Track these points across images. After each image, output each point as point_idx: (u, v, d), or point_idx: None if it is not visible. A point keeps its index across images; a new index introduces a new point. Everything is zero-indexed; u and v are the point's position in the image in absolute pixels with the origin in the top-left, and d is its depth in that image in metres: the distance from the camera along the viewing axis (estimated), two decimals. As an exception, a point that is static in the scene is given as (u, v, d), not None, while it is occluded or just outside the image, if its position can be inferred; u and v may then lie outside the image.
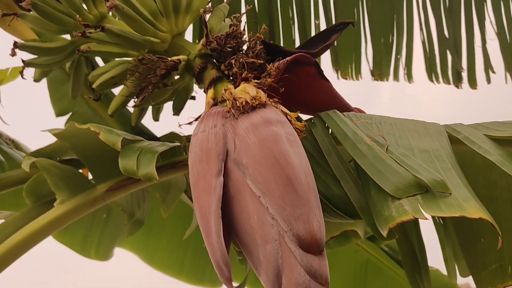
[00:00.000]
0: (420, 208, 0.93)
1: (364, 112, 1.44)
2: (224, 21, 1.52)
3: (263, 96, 1.12)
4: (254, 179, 0.96)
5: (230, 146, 1.03)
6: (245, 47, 1.30)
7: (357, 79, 3.32)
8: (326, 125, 1.25)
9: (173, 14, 1.41)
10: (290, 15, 2.95)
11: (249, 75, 1.20)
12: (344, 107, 1.41)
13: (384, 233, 0.96)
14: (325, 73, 1.38)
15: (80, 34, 1.29)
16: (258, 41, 1.30)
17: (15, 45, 1.46)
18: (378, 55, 3.14)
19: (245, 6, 2.80)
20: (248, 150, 1.00)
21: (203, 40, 1.34)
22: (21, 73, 1.48)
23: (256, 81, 1.19)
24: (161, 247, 2.50)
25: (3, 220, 1.89)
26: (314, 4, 3.00)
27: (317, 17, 3.04)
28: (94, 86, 1.39)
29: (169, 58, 1.32)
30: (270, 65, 1.22)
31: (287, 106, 1.20)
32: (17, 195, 2.28)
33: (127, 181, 1.36)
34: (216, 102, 1.24)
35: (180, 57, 1.34)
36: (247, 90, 1.12)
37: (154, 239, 2.48)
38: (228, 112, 1.08)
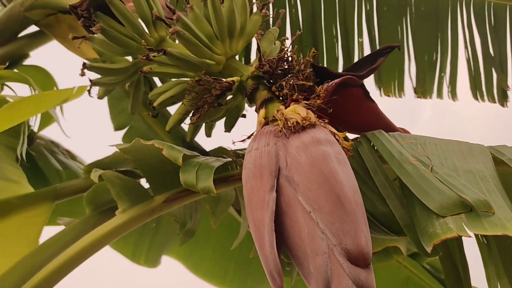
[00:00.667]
0: (464, 226, 0.98)
1: (409, 133, 1.49)
2: (274, 43, 1.61)
3: (312, 116, 1.19)
4: (305, 196, 1.03)
5: (282, 164, 1.11)
6: (295, 69, 1.38)
7: (400, 96, 3.35)
8: (372, 144, 1.31)
9: (228, 38, 1.51)
10: (334, 33, 3.03)
11: (299, 96, 1.28)
12: (389, 127, 1.46)
13: (429, 249, 1.02)
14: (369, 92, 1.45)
15: (144, 58, 1.41)
16: (307, 64, 1.37)
17: (84, 65, 1.60)
18: (422, 72, 3.16)
19: (290, 26, 2.90)
20: (299, 168, 1.08)
21: (256, 63, 1.43)
22: (89, 91, 1.62)
23: (305, 102, 1.27)
24: (206, 257, 2.60)
25: (63, 227, 2.03)
26: (357, 22, 3.06)
27: (360, 35, 3.11)
28: (155, 104, 1.50)
29: (224, 80, 1.42)
30: (319, 87, 1.30)
31: (334, 126, 1.27)
32: (71, 204, 2.45)
33: (182, 193, 1.46)
34: (267, 121, 1.32)
35: (234, 78, 1.44)
36: (298, 111, 1.20)
37: (200, 249, 2.58)
38: (280, 131, 1.16)
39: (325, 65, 2.97)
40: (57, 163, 2.97)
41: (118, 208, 1.51)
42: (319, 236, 0.98)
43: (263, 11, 1.60)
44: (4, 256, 2.03)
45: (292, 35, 2.98)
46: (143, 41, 1.47)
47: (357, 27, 3.07)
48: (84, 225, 1.88)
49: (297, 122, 1.16)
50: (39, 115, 2.69)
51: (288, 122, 1.17)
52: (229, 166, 1.61)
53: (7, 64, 2.29)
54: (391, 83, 3.19)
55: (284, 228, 1.05)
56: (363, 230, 0.99)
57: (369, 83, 3.24)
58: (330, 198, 1.01)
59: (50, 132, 3.01)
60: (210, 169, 1.20)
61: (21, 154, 2.45)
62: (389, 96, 3.36)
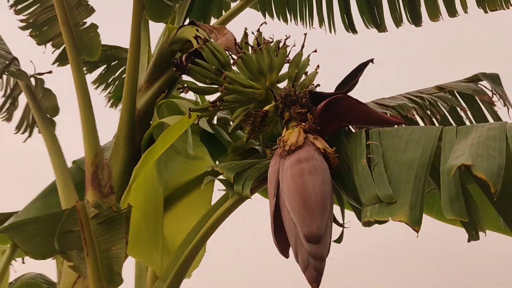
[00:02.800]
0: (374, 214, 1.55)
1: (401, 121, 1.94)
2: (297, 66, 2.20)
3: (301, 140, 1.83)
4: (287, 200, 1.73)
5: (280, 178, 1.81)
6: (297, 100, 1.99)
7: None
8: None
9: (267, 73, 2.18)
10: None
11: (299, 122, 1.91)
12: (381, 119, 1.96)
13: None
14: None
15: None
16: (306, 94, 1.97)
17: (190, 109, 2.48)
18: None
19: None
20: (286, 181, 1.77)
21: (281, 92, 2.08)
22: (197, 123, 2.52)
23: (302, 126, 1.89)
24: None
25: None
26: None
27: None
28: (229, 130, 2.31)
29: (260, 110, 2.12)
30: (309, 113, 1.90)
31: (348, 123, 1.89)
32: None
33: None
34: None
35: (267, 107, 2.12)
36: (290, 138, 1.86)
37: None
38: (280, 154, 1.85)
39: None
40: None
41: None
42: (292, 226, 1.70)
43: (286, 45, 2.20)
44: (193, 214, 3.17)
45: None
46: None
47: None
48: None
49: (289, 147, 1.83)
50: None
51: (285, 147, 1.85)
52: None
53: (166, 91, 3.36)
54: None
55: (282, 220, 1.79)
56: (317, 221, 1.65)
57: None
58: (299, 202, 1.69)
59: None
60: (249, 181, 1.98)
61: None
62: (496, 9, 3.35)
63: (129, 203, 2.39)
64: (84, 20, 3.34)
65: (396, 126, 1.98)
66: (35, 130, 4.02)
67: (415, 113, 2.81)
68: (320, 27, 3.82)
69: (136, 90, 3.38)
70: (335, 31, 3.75)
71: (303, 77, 2.23)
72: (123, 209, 2.31)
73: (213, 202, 3.18)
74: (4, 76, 3.86)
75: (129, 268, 3.10)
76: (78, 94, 3.33)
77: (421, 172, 1.60)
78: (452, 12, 3.42)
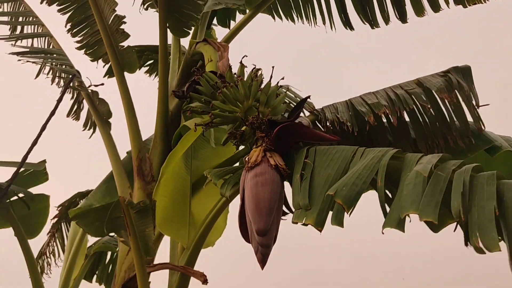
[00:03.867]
0: (295, 217, 2.23)
1: (335, 139, 2.56)
2: (266, 94, 2.85)
3: (259, 158, 2.54)
4: (247, 205, 2.47)
5: (245, 187, 2.54)
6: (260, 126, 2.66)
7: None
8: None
9: (244, 101, 2.87)
10: None
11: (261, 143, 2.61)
12: (321, 137, 2.59)
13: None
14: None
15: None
16: (266, 121, 2.64)
17: (195, 124, 3.23)
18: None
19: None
20: (246, 190, 2.49)
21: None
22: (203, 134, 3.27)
23: (262, 146, 2.59)
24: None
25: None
26: None
27: None
28: (221, 143, 3.04)
29: (238, 130, 2.82)
30: (266, 138, 2.58)
31: (299, 140, 2.58)
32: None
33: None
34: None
35: (243, 128, 2.82)
36: (253, 157, 2.56)
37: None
38: (245, 168, 2.57)
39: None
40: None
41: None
42: (249, 223, 2.44)
43: (258, 77, 2.85)
44: (214, 195, 3.99)
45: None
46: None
47: None
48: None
49: (251, 164, 2.55)
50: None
51: (248, 164, 2.56)
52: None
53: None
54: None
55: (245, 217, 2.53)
56: (264, 220, 2.37)
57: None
58: (252, 207, 2.41)
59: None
60: (230, 185, 2.72)
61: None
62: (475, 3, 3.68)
63: (154, 199, 3.26)
64: (122, 44, 4.15)
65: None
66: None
67: (386, 111, 3.35)
68: (323, 24, 4.33)
69: (168, 96, 4.18)
70: (335, 28, 4.25)
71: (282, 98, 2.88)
72: (147, 204, 3.18)
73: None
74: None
75: (166, 241, 4.04)
76: (123, 101, 4.20)
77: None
78: (436, 7, 3.78)
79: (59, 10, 4.53)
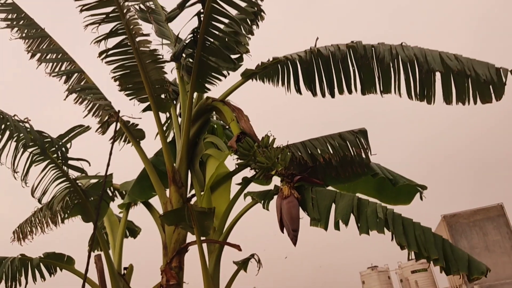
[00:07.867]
0: (313, 224, 5.05)
1: (321, 183, 5.41)
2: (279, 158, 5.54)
3: (288, 192, 5.25)
4: (284, 216, 5.18)
5: (282, 207, 5.25)
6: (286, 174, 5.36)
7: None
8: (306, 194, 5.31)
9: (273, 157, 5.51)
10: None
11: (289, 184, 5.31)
12: (316, 183, 5.42)
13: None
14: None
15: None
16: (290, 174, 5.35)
17: (236, 164, 5.70)
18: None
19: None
20: (283, 209, 5.20)
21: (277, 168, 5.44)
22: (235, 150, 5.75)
23: (290, 185, 5.30)
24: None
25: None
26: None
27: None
28: (254, 179, 5.61)
29: (268, 173, 5.46)
30: (291, 182, 5.30)
31: (307, 182, 5.35)
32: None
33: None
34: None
35: (272, 172, 5.47)
36: (285, 191, 5.27)
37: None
38: (280, 196, 5.28)
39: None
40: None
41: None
42: (287, 225, 5.18)
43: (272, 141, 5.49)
44: (227, 193, 6.52)
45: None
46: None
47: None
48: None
49: (284, 194, 5.26)
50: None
51: (283, 195, 5.27)
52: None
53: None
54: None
55: (282, 222, 5.27)
56: (295, 223, 5.13)
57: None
58: (289, 217, 5.14)
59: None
60: (267, 203, 5.37)
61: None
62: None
63: (214, 206, 5.74)
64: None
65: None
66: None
67: (328, 156, 6.29)
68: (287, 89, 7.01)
69: (190, 127, 6.47)
70: (290, 91, 6.97)
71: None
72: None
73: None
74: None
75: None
76: (160, 133, 6.37)
77: (328, 208, 5.14)
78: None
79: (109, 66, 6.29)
